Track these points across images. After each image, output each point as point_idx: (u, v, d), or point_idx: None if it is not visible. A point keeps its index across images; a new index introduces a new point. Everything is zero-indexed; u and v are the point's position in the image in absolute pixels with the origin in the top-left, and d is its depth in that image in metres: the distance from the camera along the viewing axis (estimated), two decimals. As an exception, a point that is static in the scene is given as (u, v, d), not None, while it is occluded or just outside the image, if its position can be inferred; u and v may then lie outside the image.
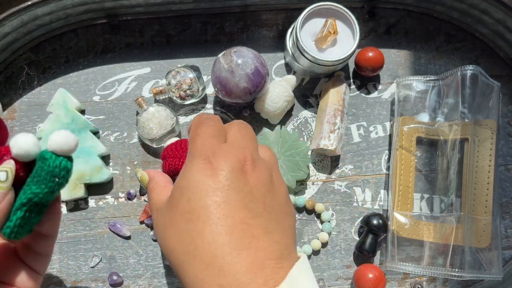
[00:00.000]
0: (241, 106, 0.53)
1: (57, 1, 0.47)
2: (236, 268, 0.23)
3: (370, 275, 0.46)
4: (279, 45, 0.54)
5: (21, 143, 0.28)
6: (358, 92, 0.54)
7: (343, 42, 0.48)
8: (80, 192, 0.49)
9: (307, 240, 0.50)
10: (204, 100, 0.53)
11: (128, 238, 0.50)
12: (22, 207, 0.28)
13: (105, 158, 0.51)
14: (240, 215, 0.25)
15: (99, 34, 0.54)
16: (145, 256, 0.50)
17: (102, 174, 0.49)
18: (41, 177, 0.28)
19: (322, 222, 0.50)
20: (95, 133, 0.51)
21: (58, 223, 0.32)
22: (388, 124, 0.53)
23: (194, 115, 0.53)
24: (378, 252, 0.51)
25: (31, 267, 0.31)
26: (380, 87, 0.54)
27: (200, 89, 0.50)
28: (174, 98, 0.50)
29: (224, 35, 0.54)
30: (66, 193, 0.49)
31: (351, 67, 0.54)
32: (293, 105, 0.53)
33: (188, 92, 0.49)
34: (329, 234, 0.50)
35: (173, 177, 0.34)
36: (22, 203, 0.28)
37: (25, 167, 0.29)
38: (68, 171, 0.28)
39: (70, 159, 0.29)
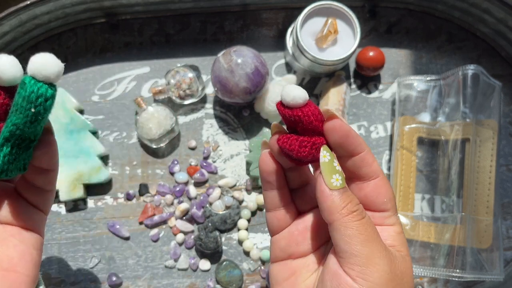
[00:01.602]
0: (241, 106, 0.52)
1: (56, 0, 0.47)
2: None
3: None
4: (279, 44, 0.54)
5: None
6: (358, 91, 0.53)
7: (344, 41, 0.48)
8: (79, 193, 0.49)
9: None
10: (203, 100, 0.53)
11: (127, 239, 0.50)
12: (7, 142, 0.26)
13: (104, 158, 0.51)
14: None
15: (98, 33, 0.53)
16: (144, 257, 0.50)
17: (101, 175, 0.49)
18: (18, 105, 0.24)
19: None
20: (94, 133, 0.51)
21: (56, 156, 0.30)
22: (389, 124, 0.53)
23: (194, 115, 0.52)
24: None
25: (34, 205, 0.30)
26: (381, 86, 0.53)
27: (200, 88, 0.50)
28: (174, 97, 0.50)
29: (223, 34, 0.54)
30: (65, 193, 0.48)
31: (352, 66, 0.54)
32: (293, 105, 0.52)
33: (187, 91, 0.49)
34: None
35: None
36: (5, 138, 0.25)
37: (8, 95, 0.26)
38: (46, 99, 0.25)
39: (51, 87, 0.25)
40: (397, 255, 0.25)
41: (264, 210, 0.51)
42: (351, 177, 0.27)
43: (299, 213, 0.29)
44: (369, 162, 0.26)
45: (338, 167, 0.25)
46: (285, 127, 0.28)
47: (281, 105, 0.26)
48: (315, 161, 0.26)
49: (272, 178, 0.28)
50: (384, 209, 0.27)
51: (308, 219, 0.29)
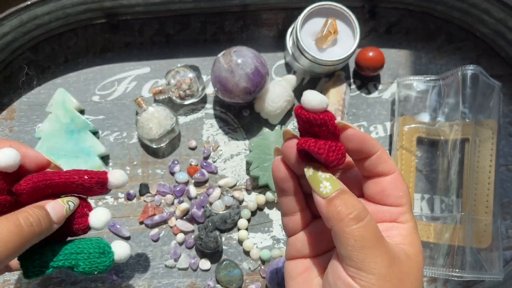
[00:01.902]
0: (241, 106, 0.52)
1: (56, 0, 0.47)
2: None
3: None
4: (279, 44, 0.54)
5: (100, 217, 0.36)
6: (358, 92, 0.53)
7: (344, 41, 0.48)
8: (80, 192, 0.49)
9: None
10: (203, 100, 0.53)
11: (128, 238, 0.50)
12: (57, 268, 0.34)
13: (105, 158, 0.51)
14: None
15: (98, 33, 0.53)
16: (145, 256, 0.50)
17: (102, 174, 0.49)
18: (90, 260, 0.34)
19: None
20: (95, 133, 0.51)
21: None
22: (388, 124, 0.53)
23: (194, 115, 0.53)
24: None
25: None
26: (380, 87, 0.54)
27: (200, 89, 0.50)
28: (174, 98, 0.50)
29: (223, 35, 0.54)
30: (66, 193, 0.49)
31: (352, 66, 0.54)
32: (293, 105, 0.53)
33: (187, 92, 0.49)
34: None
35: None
36: (59, 266, 0.33)
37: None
38: (106, 271, 0.35)
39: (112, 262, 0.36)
40: (400, 256, 0.25)
41: (265, 209, 0.51)
42: (369, 175, 0.28)
43: (314, 217, 0.30)
44: (385, 159, 0.27)
45: (324, 175, 0.26)
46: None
47: (303, 109, 0.26)
48: (338, 166, 0.26)
49: (286, 184, 0.28)
50: (400, 204, 0.27)
51: (323, 222, 0.29)
